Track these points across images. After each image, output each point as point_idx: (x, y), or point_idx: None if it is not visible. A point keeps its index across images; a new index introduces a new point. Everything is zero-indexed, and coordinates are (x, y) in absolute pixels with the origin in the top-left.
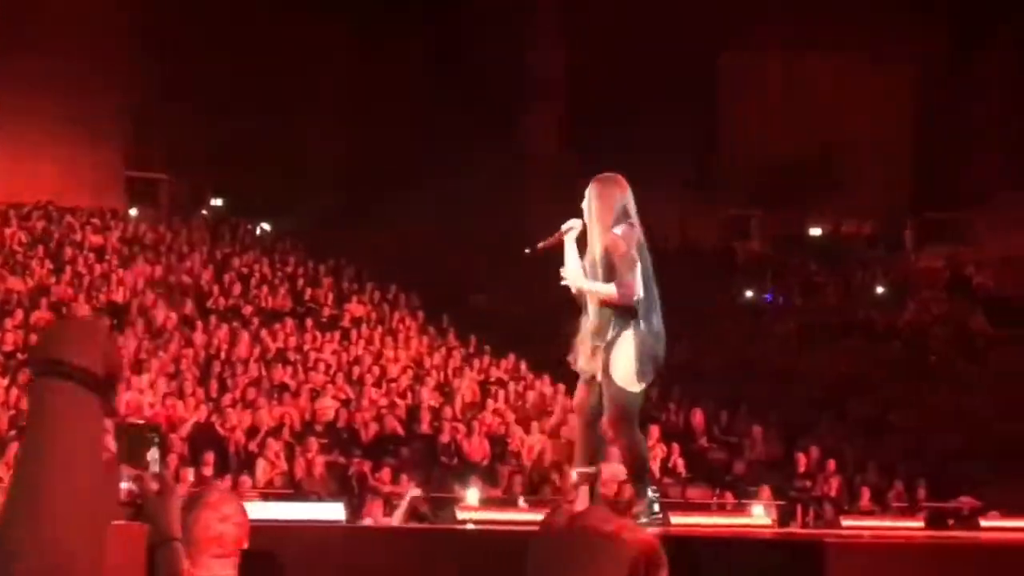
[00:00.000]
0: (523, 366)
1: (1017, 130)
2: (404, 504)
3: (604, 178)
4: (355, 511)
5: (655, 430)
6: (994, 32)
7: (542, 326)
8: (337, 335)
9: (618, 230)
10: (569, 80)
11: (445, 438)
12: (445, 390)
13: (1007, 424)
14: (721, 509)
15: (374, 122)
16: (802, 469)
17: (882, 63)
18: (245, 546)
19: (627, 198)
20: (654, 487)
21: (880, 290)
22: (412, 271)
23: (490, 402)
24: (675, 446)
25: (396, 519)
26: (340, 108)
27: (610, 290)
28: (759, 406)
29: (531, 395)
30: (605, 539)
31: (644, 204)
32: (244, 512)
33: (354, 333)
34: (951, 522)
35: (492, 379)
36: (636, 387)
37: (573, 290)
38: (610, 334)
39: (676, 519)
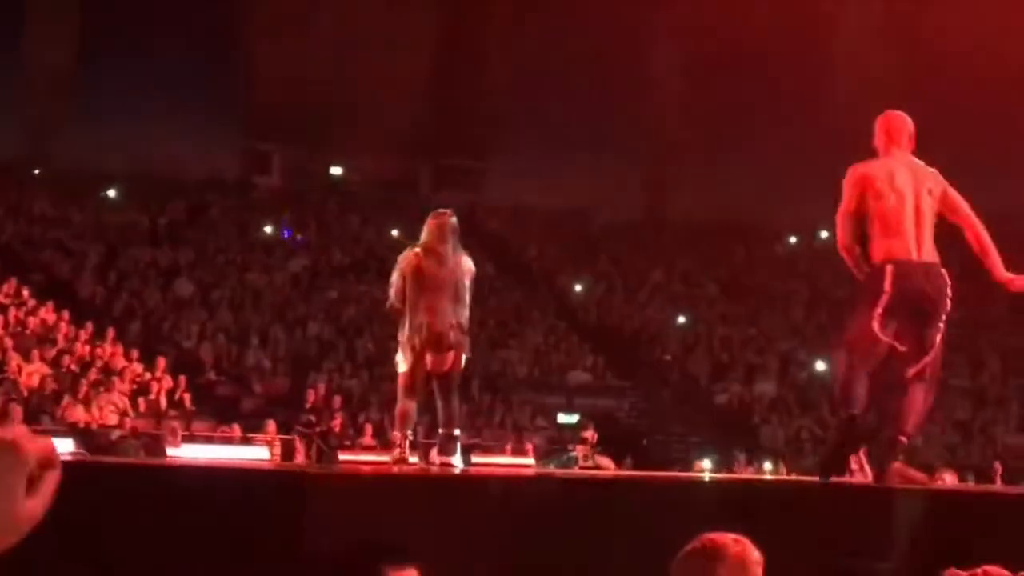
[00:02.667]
0: (26, 292)
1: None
2: None
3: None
4: None
5: (162, 362)
6: None
7: (49, 251)
8: None
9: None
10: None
11: None
12: None
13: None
14: (227, 442)
15: None
16: (309, 405)
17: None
18: None
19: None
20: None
21: (395, 233)
22: None
23: None
24: (182, 379)
25: None
26: None
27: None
28: (269, 342)
29: (33, 321)
30: (1, 446)
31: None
32: None
33: None
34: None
35: None
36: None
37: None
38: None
39: (173, 451)
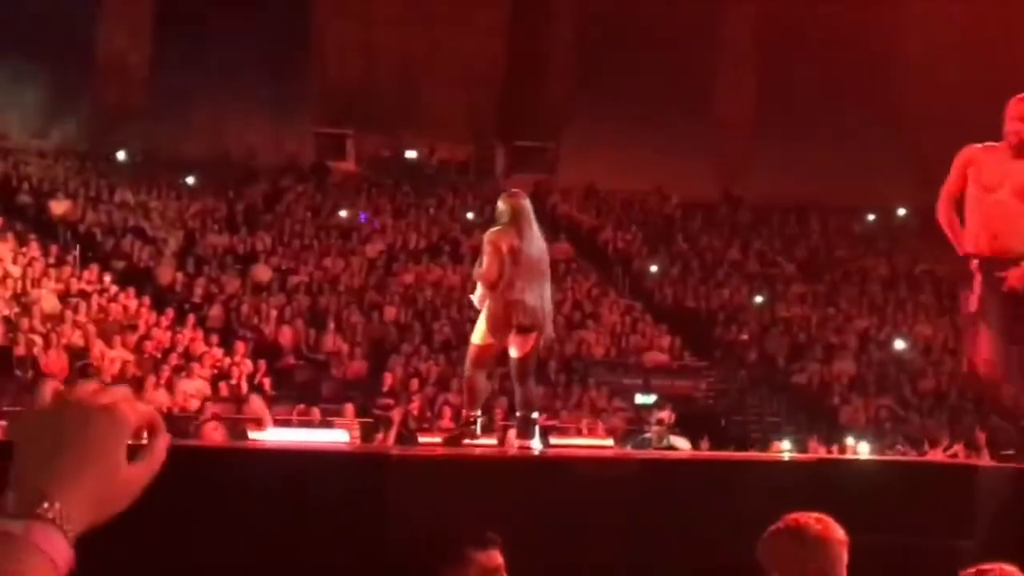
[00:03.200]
0: (107, 279)
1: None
2: None
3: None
4: None
5: (241, 346)
6: None
7: (130, 238)
8: None
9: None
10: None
11: (20, 350)
12: (23, 301)
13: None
14: (307, 425)
15: None
16: (386, 388)
17: None
18: None
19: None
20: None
21: (470, 215)
22: None
23: (69, 314)
24: (262, 363)
25: None
26: None
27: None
28: (346, 326)
29: (114, 308)
30: (101, 410)
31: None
32: None
33: None
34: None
35: (74, 291)
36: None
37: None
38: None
39: (255, 435)
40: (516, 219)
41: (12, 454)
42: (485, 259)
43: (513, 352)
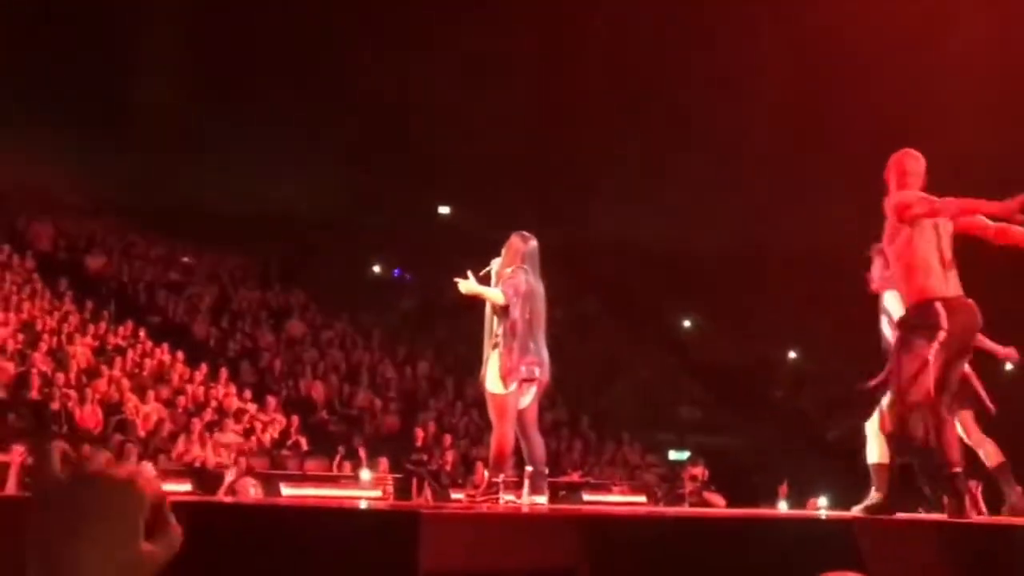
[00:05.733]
0: (142, 333)
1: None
2: None
3: (517, 233)
4: None
5: (274, 401)
6: None
7: (164, 292)
8: None
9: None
10: None
11: (56, 405)
12: (58, 356)
13: (601, 398)
14: (337, 481)
15: None
16: (419, 443)
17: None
18: None
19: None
20: (503, 475)
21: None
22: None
23: (105, 369)
24: (295, 418)
25: None
26: None
27: (496, 294)
28: (379, 381)
29: (149, 363)
30: (121, 483)
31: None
32: None
33: None
34: (562, 493)
35: (109, 346)
36: (502, 389)
37: (463, 291)
38: (489, 345)
39: (288, 490)
40: (530, 263)
41: (32, 522)
42: (503, 291)
43: (520, 403)
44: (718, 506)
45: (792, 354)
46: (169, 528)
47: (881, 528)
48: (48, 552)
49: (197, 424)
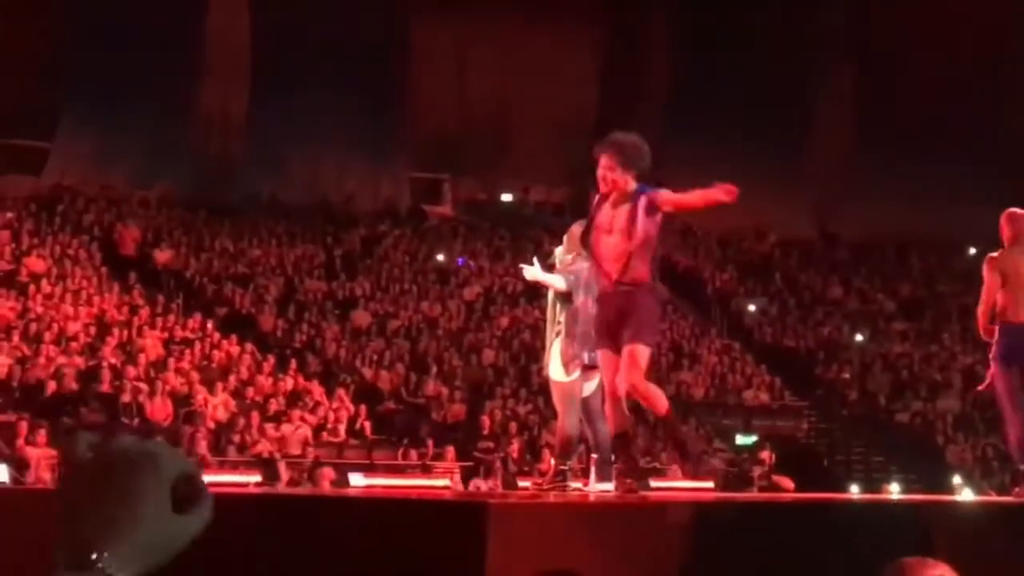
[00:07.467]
0: (209, 325)
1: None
2: None
3: (578, 222)
4: (20, 471)
5: (341, 392)
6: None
7: (231, 285)
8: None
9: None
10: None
11: (126, 398)
12: (128, 349)
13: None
14: (404, 471)
15: None
16: (485, 432)
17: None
18: None
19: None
20: (570, 462)
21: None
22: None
23: (172, 361)
24: (362, 408)
25: None
26: None
27: (559, 280)
28: (445, 369)
29: (217, 355)
30: (146, 455)
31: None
32: None
33: (32, 288)
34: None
35: (178, 338)
36: (564, 377)
37: (528, 277)
38: (551, 332)
39: (358, 480)
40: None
41: (59, 505)
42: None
43: (584, 390)
44: (787, 490)
45: (859, 337)
46: (200, 498)
47: (957, 512)
48: (77, 530)
49: (264, 415)
